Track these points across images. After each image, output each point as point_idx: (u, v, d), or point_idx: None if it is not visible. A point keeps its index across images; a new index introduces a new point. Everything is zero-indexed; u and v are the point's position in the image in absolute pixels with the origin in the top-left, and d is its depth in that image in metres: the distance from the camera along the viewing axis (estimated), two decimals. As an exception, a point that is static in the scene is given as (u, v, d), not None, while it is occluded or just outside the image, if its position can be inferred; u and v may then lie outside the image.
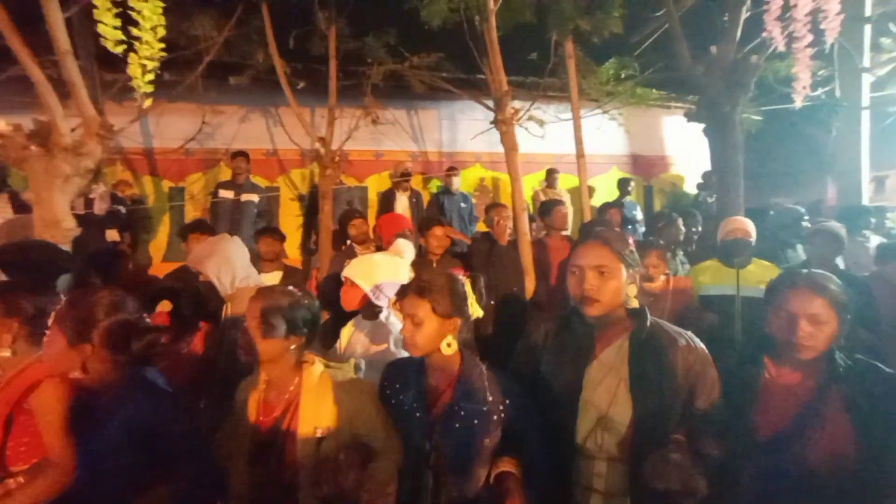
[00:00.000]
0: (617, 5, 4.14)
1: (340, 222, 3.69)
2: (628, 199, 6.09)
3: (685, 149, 7.13)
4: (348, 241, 3.60)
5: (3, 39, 2.74)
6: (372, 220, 4.17)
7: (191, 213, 5.09)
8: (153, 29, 1.80)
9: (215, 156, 5.19)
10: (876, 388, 1.18)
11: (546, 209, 3.70)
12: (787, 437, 1.20)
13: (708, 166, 5.90)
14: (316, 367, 1.34)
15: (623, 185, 6.11)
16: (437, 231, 3.13)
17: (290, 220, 5.32)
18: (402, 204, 5.17)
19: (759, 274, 2.54)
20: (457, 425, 1.21)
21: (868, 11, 4.02)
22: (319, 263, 4.04)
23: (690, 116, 5.12)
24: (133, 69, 1.77)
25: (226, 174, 4.90)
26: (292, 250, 5.10)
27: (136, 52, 1.76)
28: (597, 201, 5.84)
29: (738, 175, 4.13)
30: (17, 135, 2.45)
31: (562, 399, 1.25)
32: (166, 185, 5.22)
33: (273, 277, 3.13)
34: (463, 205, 5.43)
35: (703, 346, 1.30)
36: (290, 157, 5.52)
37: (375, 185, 5.80)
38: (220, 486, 1.27)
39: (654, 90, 5.66)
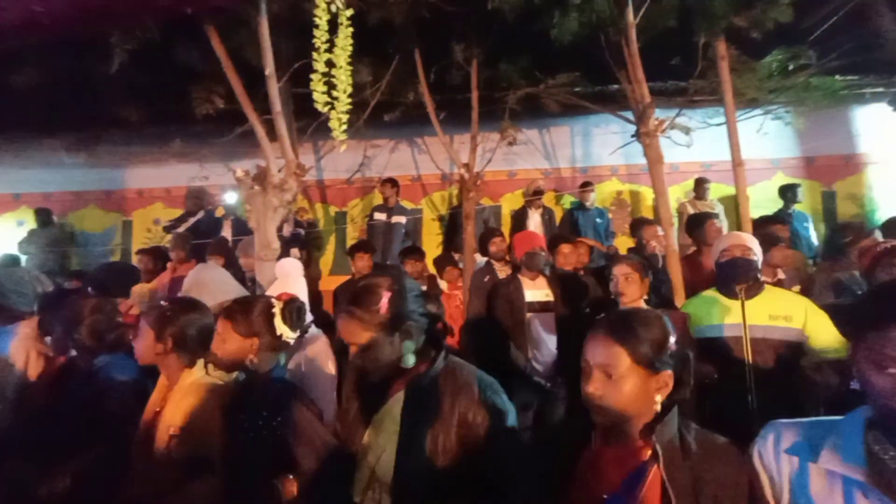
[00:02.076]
0: (785, -7, 3.69)
1: (481, 241, 3.93)
2: (795, 208, 5.22)
3: (884, 144, 5.83)
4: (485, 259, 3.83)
5: (238, 105, 3.63)
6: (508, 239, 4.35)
7: (351, 234, 5.93)
8: (345, 89, 2.27)
9: (371, 183, 5.98)
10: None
11: (696, 223, 3.42)
12: None
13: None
14: (191, 372, 1.41)
15: (787, 192, 5.22)
16: (565, 249, 3.17)
17: (431, 239, 5.82)
18: (534, 221, 5.26)
19: (772, 306, 1.87)
20: None
21: None
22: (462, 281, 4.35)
23: (896, 103, 4.23)
24: (333, 123, 2.24)
25: (379, 199, 5.60)
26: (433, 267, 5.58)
27: (334, 108, 2.23)
28: (754, 213, 5.09)
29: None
30: (247, 178, 3.21)
31: None
32: (332, 210, 6.18)
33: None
34: (598, 220, 5.28)
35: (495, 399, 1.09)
36: (431, 181, 6.07)
37: (509, 203, 6.00)
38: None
39: (837, 78, 4.81)
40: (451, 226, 5.17)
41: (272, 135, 3.42)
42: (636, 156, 5.40)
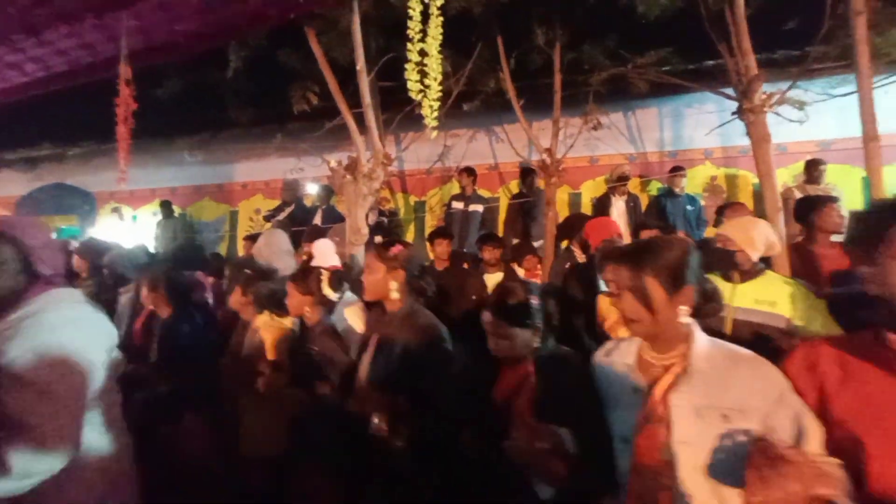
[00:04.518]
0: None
1: (565, 228, 3.87)
2: None
3: None
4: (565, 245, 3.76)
5: (330, 101, 3.90)
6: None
7: (430, 223, 6.11)
8: (436, 77, 2.35)
9: (449, 173, 6.10)
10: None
11: (809, 206, 2.98)
12: None
13: None
14: (260, 317, 2.16)
15: None
16: (644, 236, 2.98)
17: (514, 226, 5.81)
18: (618, 209, 5.03)
19: (761, 291, 1.92)
20: None
21: None
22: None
23: None
24: (425, 110, 2.34)
25: (456, 188, 5.70)
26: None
27: (426, 96, 2.32)
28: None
29: None
30: (340, 168, 3.46)
31: None
32: (412, 199, 6.41)
33: (495, 278, 3.54)
34: (689, 207, 4.91)
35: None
36: (508, 170, 6.04)
37: (590, 191, 5.79)
38: None
39: None
40: (525, 213, 5.10)
41: (361, 127, 3.65)
42: (734, 137, 4.91)
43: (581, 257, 3.49)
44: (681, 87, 4.45)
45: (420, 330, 1.62)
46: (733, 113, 3.49)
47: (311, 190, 5.89)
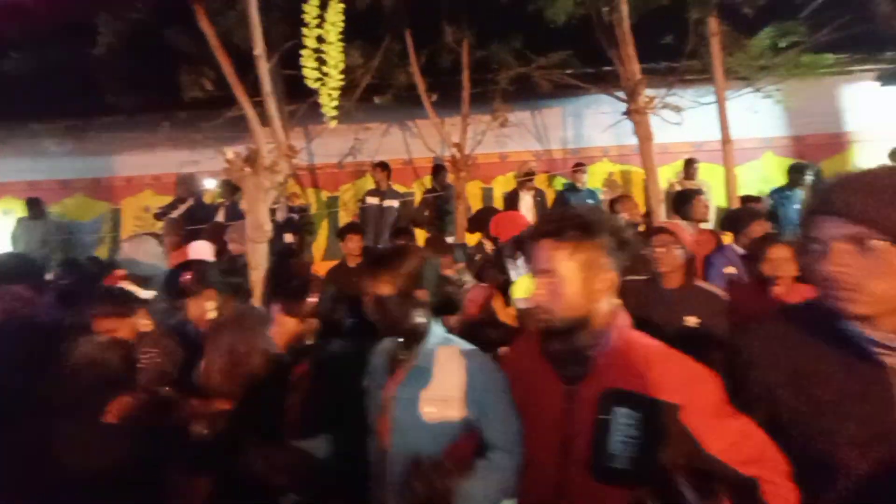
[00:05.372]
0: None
1: (477, 221, 3.95)
2: (798, 189, 5.16)
3: (872, 122, 5.89)
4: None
5: (227, 89, 3.60)
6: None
7: (343, 219, 5.91)
8: (336, 65, 2.26)
9: (362, 167, 5.96)
10: None
11: (684, 199, 3.45)
12: None
13: (904, 141, 4.83)
14: None
15: (795, 172, 5.06)
16: None
17: (425, 220, 5.84)
18: (526, 203, 5.29)
19: None
20: None
21: None
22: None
23: (887, 79, 4.25)
24: (323, 99, 2.24)
25: (371, 183, 5.59)
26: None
27: (325, 85, 2.22)
28: (742, 191, 5.05)
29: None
30: (238, 160, 3.20)
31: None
32: (324, 195, 6.16)
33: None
34: (590, 201, 5.32)
35: None
36: (423, 165, 6.05)
37: (501, 185, 6.02)
38: None
39: (828, 55, 4.82)
40: (438, 208, 5.16)
41: (263, 118, 3.40)
42: (627, 136, 5.39)
43: (490, 250, 3.61)
44: (580, 88, 4.78)
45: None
46: (623, 114, 3.83)
47: (211, 185, 5.41)
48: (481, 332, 1.83)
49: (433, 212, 5.05)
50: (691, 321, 1.97)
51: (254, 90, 3.49)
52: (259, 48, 3.07)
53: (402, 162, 6.10)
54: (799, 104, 5.72)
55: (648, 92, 3.75)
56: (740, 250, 2.96)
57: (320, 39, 2.24)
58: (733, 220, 3.71)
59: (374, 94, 5.12)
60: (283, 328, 1.58)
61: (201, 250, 2.71)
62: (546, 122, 6.16)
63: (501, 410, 1.08)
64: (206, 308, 1.87)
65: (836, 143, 6.17)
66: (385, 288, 1.19)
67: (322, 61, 2.18)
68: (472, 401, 1.11)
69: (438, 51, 4.97)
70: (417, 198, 5.86)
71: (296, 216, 5.12)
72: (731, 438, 0.87)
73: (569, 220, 1.00)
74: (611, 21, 3.88)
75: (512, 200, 5.33)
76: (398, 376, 1.21)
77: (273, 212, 5.11)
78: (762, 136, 6.06)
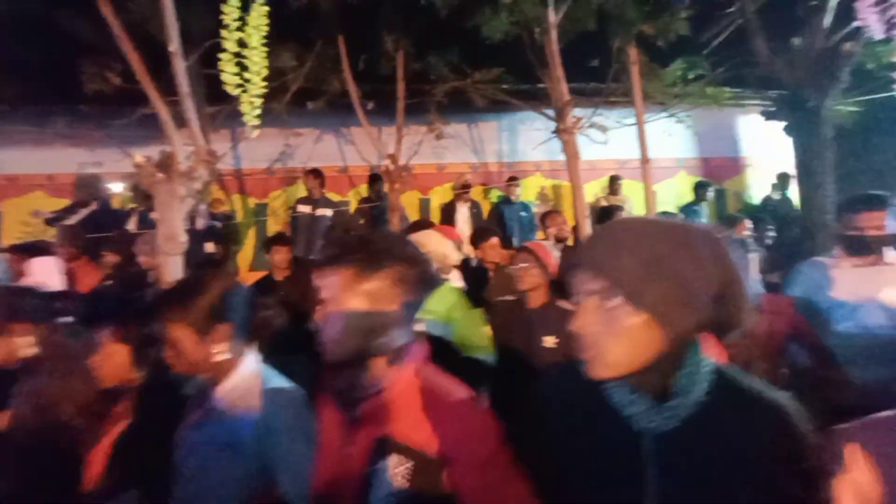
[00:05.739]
0: (683, 7, 4.06)
1: (408, 232, 3.90)
2: (703, 204, 5.81)
3: (762, 149, 6.69)
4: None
5: (138, 84, 3.26)
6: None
7: (273, 227, 5.59)
8: (259, 72, 2.11)
9: (294, 174, 5.68)
10: None
11: (605, 214, 3.68)
12: None
13: (787, 167, 5.51)
14: None
15: (700, 188, 5.80)
16: (493, 241, 3.22)
17: (360, 231, 5.68)
18: (462, 215, 5.34)
19: (430, 302, 2.20)
20: None
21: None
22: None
23: (769, 115, 4.81)
24: (245, 106, 2.08)
25: (304, 191, 5.35)
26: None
27: (246, 91, 2.07)
28: (660, 207, 5.59)
29: (825, 173, 3.85)
30: (148, 165, 2.90)
31: None
32: (252, 201, 5.79)
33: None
34: (523, 213, 5.49)
35: None
36: (359, 173, 5.91)
37: (439, 196, 6.03)
38: None
39: (726, 89, 5.41)
40: (377, 217, 5.06)
41: (180, 119, 3.12)
42: (559, 152, 5.65)
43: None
44: (513, 105, 4.93)
45: None
46: (552, 132, 4.00)
47: (118, 189, 4.88)
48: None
49: (369, 222, 4.94)
50: (549, 342, 1.94)
51: (171, 88, 3.20)
52: (174, 44, 2.82)
53: (337, 170, 5.91)
54: (705, 129, 6.39)
55: (577, 112, 3.95)
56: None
57: (242, 43, 2.08)
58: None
59: (306, 98, 4.92)
60: (112, 359, 1.28)
61: (44, 269, 2.31)
62: (482, 135, 6.29)
63: (294, 461, 0.94)
64: (17, 345, 1.48)
65: (736, 165, 6.94)
66: (178, 329, 1.03)
67: (244, 66, 2.02)
68: (265, 447, 0.97)
69: (376, 59, 4.89)
70: (353, 207, 5.71)
71: (219, 224, 4.76)
72: (493, 499, 0.80)
73: (352, 246, 0.90)
74: (542, 42, 4.05)
75: (449, 212, 5.35)
76: (192, 418, 1.07)
77: (192, 219, 4.72)
78: (677, 156, 6.64)
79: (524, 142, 6.24)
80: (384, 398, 0.87)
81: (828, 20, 3.46)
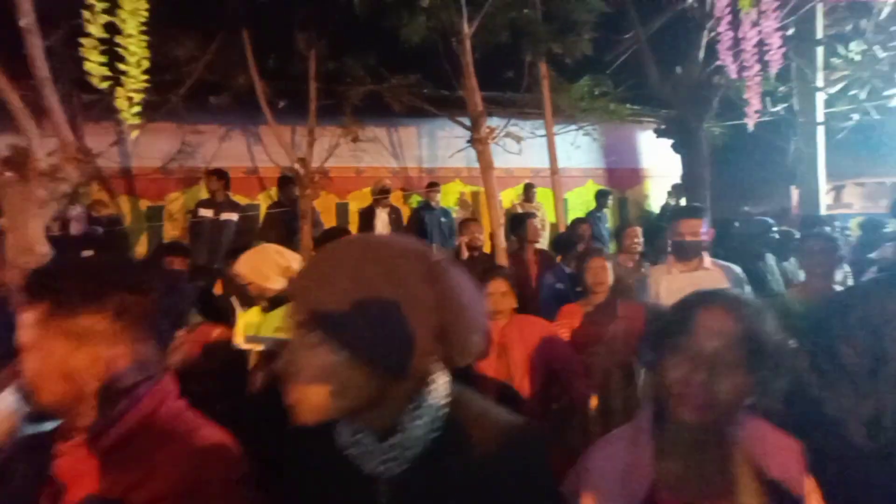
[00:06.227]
0: (587, 29, 4.34)
1: (319, 242, 3.73)
2: (605, 211, 6.29)
3: (658, 162, 7.40)
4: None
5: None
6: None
7: (170, 233, 5.06)
8: (138, 63, 1.86)
9: (196, 174, 5.19)
10: None
11: (518, 222, 3.81)
12: None
13: (679, 178, 6.15)
14: None
15: (601, 197, 6.30)
16: None
17: (270, 238, 5.33)
18: (381, 220, 5.24)
19: (282, 319, 1.94)
20: None
21: (819, 34, 4.30)
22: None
23: (659, 133, 5.32)
24: (120, 102, 1.82)
25: (205, 193, 4.91)
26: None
27: (122, 85, 1.81)
28: (570, 213, 5.98)
29: (704, 187, 4.33)
30: (-7, 161, 2.45)
31: None
32: (144, 204, 5.18)
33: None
34: (443, 219, 5.52)
35: None
36: (270, 175, 5.55)
37: (357, 201, 5.86)
38: None
39: (627, 106, 5.89)
40: (291, 224, 4.78)
41: (40, 108, 2.68)
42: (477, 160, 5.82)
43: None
44: (430, 111, 4.94)
45: None
46: (467, 141, 4.05)
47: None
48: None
49: (280, 228, 4.65)
50: None
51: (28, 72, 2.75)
52: (27, 18, 2.42)
53: (244, 171, 5.51)
54: (610, 142, 6.92)
55: (493, 121, 4.05)
56: (568, 269, 3.36)
57: (115, 29, 1.81)
58: (562, 242, 4.25)
59: (209, 92, 4.53)
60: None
61: None
62: (402, 139, 6.24)
63: None
64: None
65: (637, 176, 7.60)
66: None
67: (118, 56, 1.76)
68: None
69: (288, 56, 4.63)
70: (264, 211, 5.35)
71: (100, 230, 4.20)
72: None
73: (53, 276, 0.73)
74: (458, 52, 4.10)
75: (367, 217, 5.23)
76: None
77: (64, 224, 4.12)
78: (586, 166, 7.11)
79: (444, 148, 6.29)
80: (101, 447, 0.72)
81: (702, 55, 3.90)
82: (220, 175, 4.57)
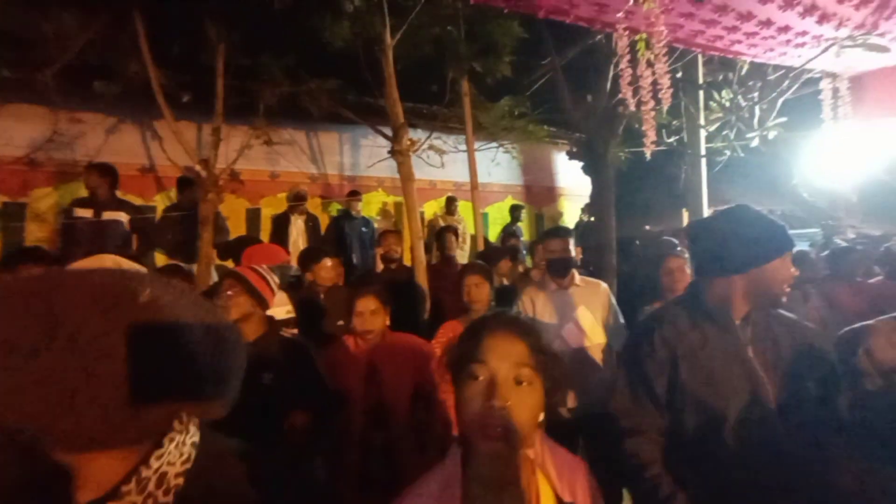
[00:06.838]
0: (507, 51, 4.51)
1: (230, 249, 3.42)
2: (519, 224, 6.60)
3: (572, 182, 7.91)
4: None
5: None
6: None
7: (34, 234, 4.31)
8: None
9: (74, 169, 4.49)
10: None
11: (438, 235, 3.85)
12: None
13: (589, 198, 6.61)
14: None
15: (514, 211, 6.70)
16: (328, 262, 3.02)
17: (165, 244, 4.77)
18: (297, 228, 4.96)
19: None
20: None
21: (700, 80, 4.90)
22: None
23: (571, 155, 5.65)
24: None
25: (84, 190, 4.27)
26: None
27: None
28: (490, 228, 6.20)
29: (610, 207, 4.67)
30: None
31: None
32: (1, 200, 4.37)
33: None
34: (364, 229, 5.37)
35: None
36: (171, 175, 4.99)
37: (271, 206, 5.50)
38: None
39: (544, 128, 6.22)
40: (186, 230, 4.31)
41: None
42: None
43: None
44: (349, 119, 4.80)
45: None
46: (388, 152, 3.98)
47: None
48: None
49: (177, 233, 4.18)
50: (266, 377, 1.80)
51: None
52: None
53: (139, 168, 4.91)
54: (528, 161, 7.26)
55: (416, 133, 4.03)
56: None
57: None
58: (485, 257, 4.32)
59: (94, 77, 3.97)
60: None
61: None
62: (323, 145, 5.99)
63: None
64: None
65: (553, 194, 8.06)
66: None
67: None
68: None
69: (197, 45, 4.22)
70: (160, 214, 4.80)
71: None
72: None
73: None
74: (381, 62, 4.03)
75: (282, 224, 4.92)
76: None
77: None
78: (505, 182, 7.38)
79: (367, 156, 6.16)
80: None
81: (609, 86, 4.23)
82: (104, 170, 3.99)
